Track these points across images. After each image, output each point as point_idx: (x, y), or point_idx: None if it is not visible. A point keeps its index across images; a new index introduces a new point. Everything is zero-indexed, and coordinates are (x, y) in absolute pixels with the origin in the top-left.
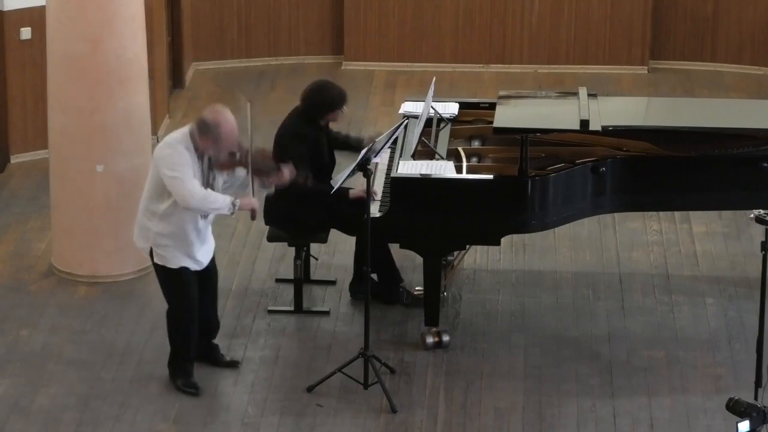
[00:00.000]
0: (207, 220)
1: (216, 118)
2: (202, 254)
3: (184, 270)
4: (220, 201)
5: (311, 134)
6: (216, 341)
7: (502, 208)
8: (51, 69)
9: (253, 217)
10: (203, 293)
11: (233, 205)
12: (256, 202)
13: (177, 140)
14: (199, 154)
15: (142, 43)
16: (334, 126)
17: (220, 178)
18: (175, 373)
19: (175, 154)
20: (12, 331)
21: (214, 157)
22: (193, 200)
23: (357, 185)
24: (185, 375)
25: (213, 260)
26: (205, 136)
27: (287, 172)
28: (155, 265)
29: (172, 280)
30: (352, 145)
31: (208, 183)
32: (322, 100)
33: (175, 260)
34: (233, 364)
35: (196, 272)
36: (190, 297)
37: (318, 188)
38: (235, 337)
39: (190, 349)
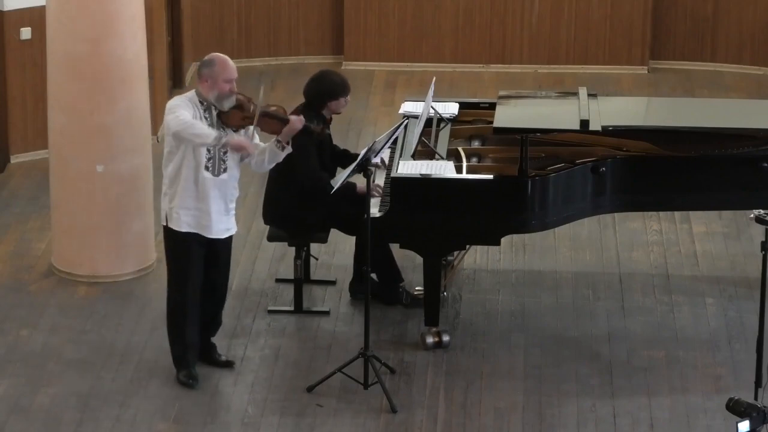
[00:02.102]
0: (215, 185)
1: (209, 56)
2: (206, 218)
3: (189, 240)
4: (205, 131)
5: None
6: (215, 341)
7: (502, 208)
8: (51, 69)
9: (242, 159)
10: (213, 284)
11: (219, 138)
12: (249, 144)
13: (182, 96)
14: (205, 106)
15: (142, 43)
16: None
17: (234, 136)
18: (176, 366)
19: (172, 101)
20: (12, 331)
21: (218, 101)
22: (178, 122)
23: (362, 181)
24: (185, 366)
25: (227, 251)
26: (202, 78)
27: (297, 120)
28: (165, 232)
29: (176, 248)
30: (352, 156)
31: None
32: (323, 88)
33: (179, 221)
34: (229, 365)
35: (206, 261)
36: (191, 276)
37: (318, 185)
38: (235, 337)
39: (185, 335)
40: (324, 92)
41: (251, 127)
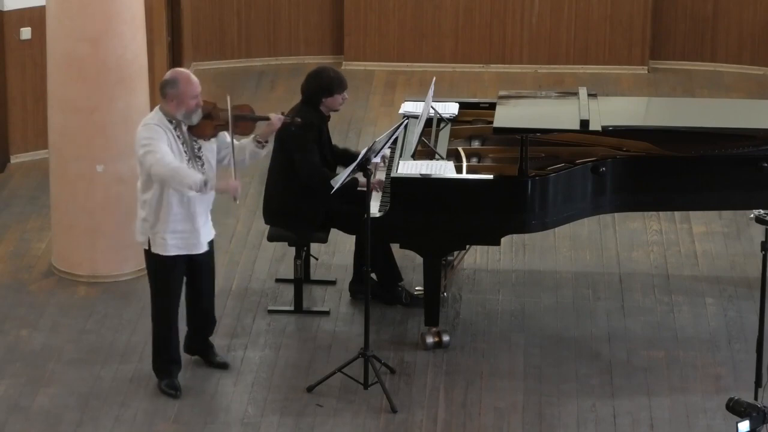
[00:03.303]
0: (201, 201)
1: (171, 75)
2: (195, 236)
3: (175, 261)
4: (190, 177)
5: (316, 122)
6: (213, 341)
7: (502, 208)
8: (51, 69)
9: (235, 199)
10: (199, 287)
11: (204, 184)
12: (235, 183)
13: (149, 119)
14: (174, 125)
15: (142, 43)
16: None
17: (209, 148)
18: (158, 375)
19: (145, 131)
20: (12, 331)
21: (186, 118)
22: (161, 167)
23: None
24: (168, 376)
25: (211, 254)
26: (167, 98)
27: (275, 118)
28: (148, 255)
29: (162, 270)
30: (352, 154)
31: (194, 153)
32: (319, 84)
33: (166, 246)
34: (223, 366)
35: (191, 268)
36: (176, 293)
37: (320, 180)
38: (235, 337)
39: (170, 348)
40: (321, 88)
41: (225, 132)
